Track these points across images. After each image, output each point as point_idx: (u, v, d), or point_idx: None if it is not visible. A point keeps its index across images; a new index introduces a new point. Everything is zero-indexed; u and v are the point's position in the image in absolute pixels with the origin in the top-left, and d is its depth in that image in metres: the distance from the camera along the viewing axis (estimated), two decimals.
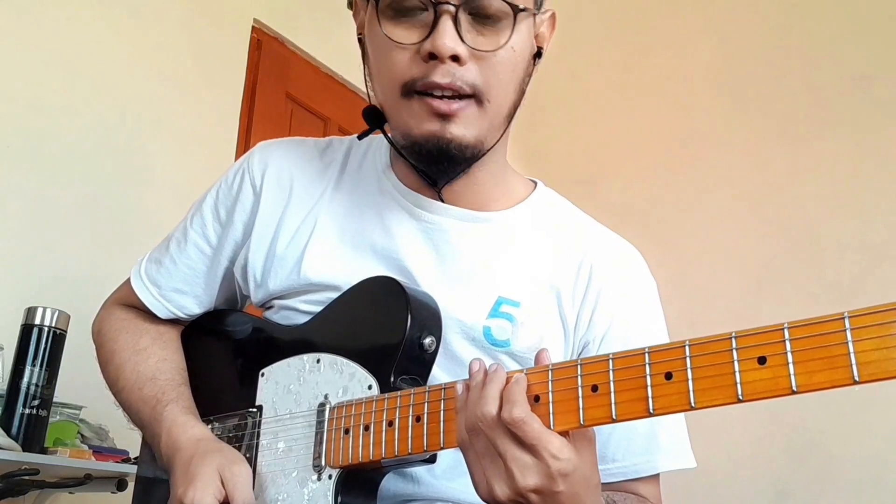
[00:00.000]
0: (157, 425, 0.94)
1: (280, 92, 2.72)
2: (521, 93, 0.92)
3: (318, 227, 0.98)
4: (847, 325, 0.57)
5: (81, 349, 1.76)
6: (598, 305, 0.95)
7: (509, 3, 0.85)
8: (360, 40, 0.95)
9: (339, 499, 0.82)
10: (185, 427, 0.92)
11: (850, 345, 0.56)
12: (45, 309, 1.66)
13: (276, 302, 0.99)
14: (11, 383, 1.61)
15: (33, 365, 1.62)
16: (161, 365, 1.01)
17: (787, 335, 0.59)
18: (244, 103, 2.59)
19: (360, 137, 0.99)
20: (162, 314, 1.07)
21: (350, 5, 0.98)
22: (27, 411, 1.59)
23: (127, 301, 1.11)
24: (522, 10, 0.86)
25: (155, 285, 1.07)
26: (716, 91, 3.08)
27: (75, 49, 2.14)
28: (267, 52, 2.67)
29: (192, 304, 1.07)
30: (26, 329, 1.64)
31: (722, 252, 2.91)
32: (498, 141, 0.93)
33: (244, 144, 2.57)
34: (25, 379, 1.61)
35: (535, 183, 1.05)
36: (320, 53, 2.83)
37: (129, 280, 1.11)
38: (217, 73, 2.51)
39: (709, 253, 2.93)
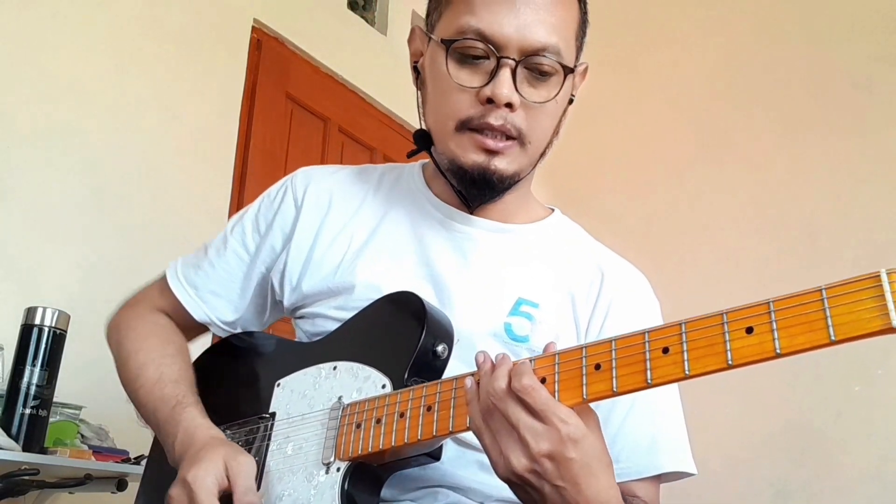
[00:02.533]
0: (174, 425, 0.96)
1: (280, 92, 2.72)
2: (557, 134, 1.05)
3: (355, 236, 1.06)
4: (824, 295, 0.64)
5: (81, 349, 1.77)
6: (609, 317, 1.03)
7: (562, 66, 0.97)
8: (414, 67, 1.07)
9: (346, 488, 0.83)
10: (203, 428, 0.95)
11: (827, 311, 0.64)
12: (45, 309, 1.66)
13: (306, 310, 1.05)
14: (11, 383, 1.61)
15: (33, 365, 1.62)
16: (184, 374, 1.05)
17: (771, 307, 0.66)
18: (244, 103, 2.59)
19: (409, 156, 1.10)
20: (197, 315, 1.12)
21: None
22: (27, 411, 1.59)
23: (158, 305, 1.15)
24: (572, 70, 0.99)
25: (192, 286, 1.12)
26: (717, 92, 3.08)
27: (75, 48, 2.14)
28: (267, 52, 2.67)
29: (226, 308, 1.12)
30: (26, 329, 1.64)
31: (722, 252, 2.91)
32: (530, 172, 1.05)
33: (244, 144, 2.57)
34: (25, 379, 1.60)
35: (553, 210, 1.15)
36: (320, 53, 2.83)
37: (160, 282, 1.15)
38: (217, 73, 2.51)
39: (709, 253, 2.94)
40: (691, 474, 1.00)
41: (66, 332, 1.68)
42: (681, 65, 3.19)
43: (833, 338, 0.63)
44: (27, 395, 1.60)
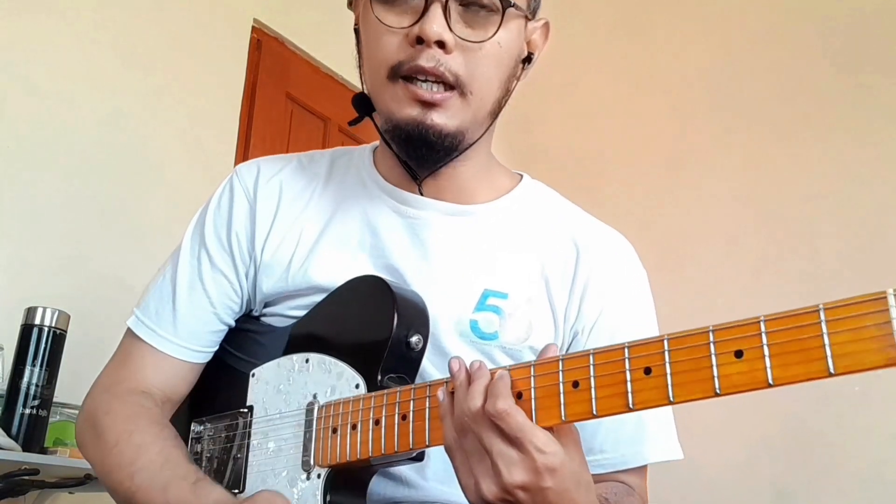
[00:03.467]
0: (201, 497, 0.84)
1: (280, 92, 2.72)
2: (507, 91, 0.93)
3: (305, 233, 0.98)
4: (822, 317, 0.57)
5: (81, 349, 1.77)
6: (587, 294, 0.95)
7: (500, 1, 0.87)
8: (356, 31, 0.98)
9: (328, 498, 0.82)
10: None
11: (826, 337, 0.56)
12: (45, 309, 1.66)
13: (266, 310, 0.99)
14: (11, 383, 1.61)
15: (33, 365, 1.62)
16: (190, 458, 0.92)
17: (763, 328, 0.59)
18: (244, 103, 2.59)
19: (350, 124, 1.00)
20: (200, 359, 1.00)
21: (350, 5, 1.00)
22: (27, 411, 1.60)
23: (136, 382, 0.97)
24: (511, 5, 0.88)
25: (178, 338, 0.97)
26: (714, 91, 3.08)
27: (75, 48, 2.14)
28: (267, 52, 2.67)
29: (220, 336, 1.02)
30: (26, 329, 1.65)
31: (720, 251, 2.91)
32: (482, 136, 0.94)
33: (244, 144, 2.57)
34: (25, 379, 1.61)
35: (522, 176, 1.05)
36: (320, 53, 2.84)
37: (126, 350, 1.00)
38: (217, 73, 2.51)
39: (707, 252, 2.93)
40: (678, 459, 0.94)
41: (66, 332, 1.68)
42: (680, 64, 3.19)
43: (832, 371, 0.56)
44: (27, 395, 1.61)
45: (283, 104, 2.73)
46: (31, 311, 1.66)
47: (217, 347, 1.01)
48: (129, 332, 1.00)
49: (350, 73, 2.95)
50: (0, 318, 1.79)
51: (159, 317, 0.98)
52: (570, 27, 3.14)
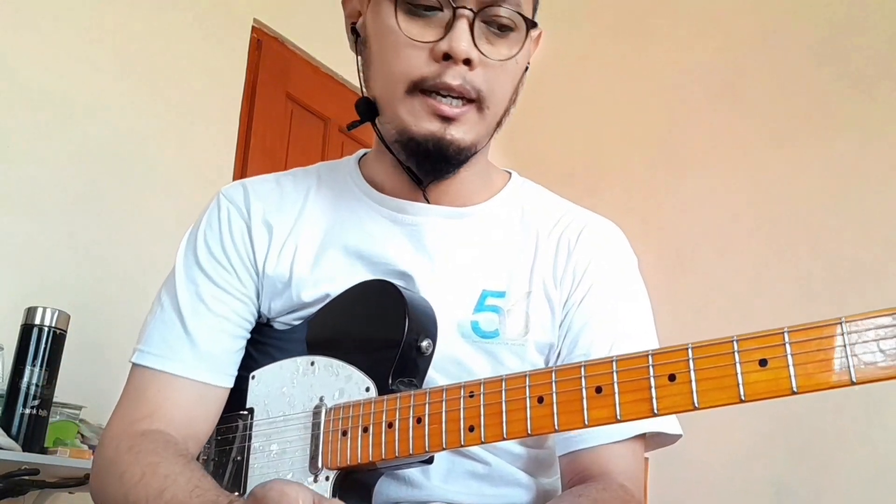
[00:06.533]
0: None
1: (280, 92, 2.72)
2: (514, 102, 0.95)
3: (303, 249, 0.96)
4: (844, 329, 0.60)
5: (81, 349, 1.77)
6: (576, 276, 0.96)
7: (524, 19, 0.88)
8: (353, 29, 0.97)
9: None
10: None
11: (847, 348, 0.60)
12: (45, 309, 1.66)
13: (275, 320, 0.97)
14: (11, 383, 1.61)
15: (33, 365, 1.62)
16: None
17: (786, 339, 0.62)
18: (244, 103, 2.59)
19: (349, 128, 0.98)
20: (224, 383, 0.94)
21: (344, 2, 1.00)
22: (27, 411, 1.60)
23: (151, 422, 0.90)
24: (535, 25, 0.90)
25: (196, 358, 0.92)
26: (714, 91, 3.08)
27: (75, 48, 2.14)
28: (267, 52, 2.68)
29: (237, 357, 0.97)
30: (26, 329, 1.65)
31: (721, 252, 2.91)
32: (487, 143, 0.96)
33: (244, 144, 2.57)
34: (25, 379, 1.61)
35: (510, 174, 1.06)
36: (320, 53, 2.84)
37: (134, 389, 0.92)
38: (217, 73, 2.51)
39: (707, 253, 2.94)
40: (676, 436, 0.91)
41: (66, 332, 1.68)
42: (679, 64, 3.19)
43: (854, 380, 0.59)
44: (27, 395, 1.61)
45: (283, 104, 2.73)
46: (31, 311, 1.66)
47: (236, 372, 0.95)
48: (135, 369, 0.92)
49: (350, 74, 2.95)
50: (0, 318, 1.79)
51: (168, 343, 0.92)
52: (570, 27, 3.14)
